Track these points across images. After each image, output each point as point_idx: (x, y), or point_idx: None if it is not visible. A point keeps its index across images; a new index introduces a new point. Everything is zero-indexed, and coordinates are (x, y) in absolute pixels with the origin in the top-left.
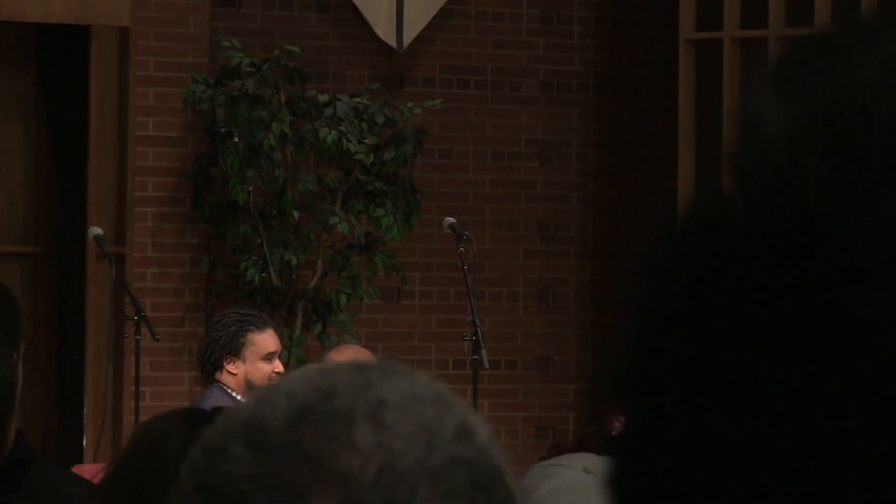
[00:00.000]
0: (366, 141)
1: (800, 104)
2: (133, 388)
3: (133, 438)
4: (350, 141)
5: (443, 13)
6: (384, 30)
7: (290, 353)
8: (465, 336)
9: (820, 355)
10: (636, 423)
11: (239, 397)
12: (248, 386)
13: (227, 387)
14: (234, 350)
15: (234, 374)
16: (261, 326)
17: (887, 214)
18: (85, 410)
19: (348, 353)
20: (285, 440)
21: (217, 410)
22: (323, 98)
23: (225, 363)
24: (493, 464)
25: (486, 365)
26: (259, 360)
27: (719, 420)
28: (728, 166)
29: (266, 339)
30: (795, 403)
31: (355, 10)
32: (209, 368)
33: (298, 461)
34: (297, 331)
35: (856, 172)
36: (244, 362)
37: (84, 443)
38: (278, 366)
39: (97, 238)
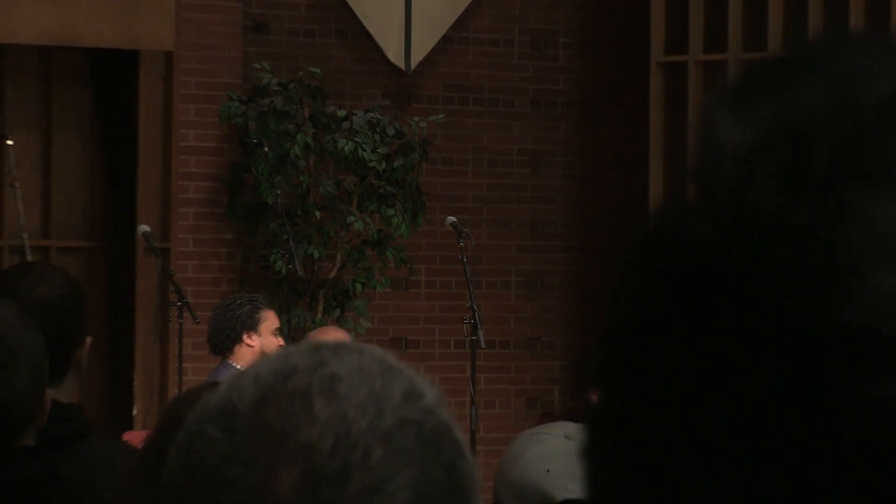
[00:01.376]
0: (378, 150)
1: (751, 125)
2: (177, 365)
3: (162, 414)
4: (364, 150)
5: (445, 39)
6: (394, 54)
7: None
8: (465, 320)
9: (763, 355)
10: (606, 401)
11: None
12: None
13: (236, 364)
14: (252, 325)
15: (252, 347)
16: (268, 306)
17: (826, 231)
18: (135, 385)
19: (329, 334)
20: (253, 420)
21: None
22: (341, 113)
23: (244, 337)
24: (438, 421)
25: (483, 345)
26: (270, 333)
27: (672, 399)
28: (690, 179)
29: (274, 316)
30: (742, 397)
31: (369, 37)
32: (228, 344)
33: (265, 438)
34: (319, 315)
35: (799, 191)
36: (259, 335)
37: (134, 412)
38: (280, 340)
39: (145, 234)
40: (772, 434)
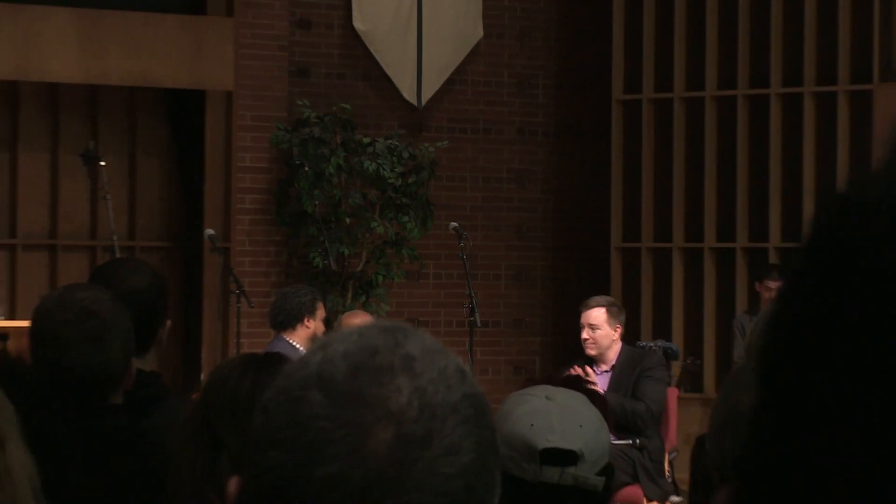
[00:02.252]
0: (395, 170)
1: None
2: (235, 340)
3: (209, 376)
4: (385, 170)
5: (448, 82)
6: (408, 93)
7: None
8: (465, 305)
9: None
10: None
11: (299, 347)
12: (314, 337)
13: (292, 340)
14: (311, 311)
15: (308, 328)
16: (321, 299)
17: None
18: (202, 356)
19: (357, 317)
20: (349, 389)
21: (268, 355)
22: (366, 140)
23: (305, 319)
24: (480, 393)
25: (479, 324)
26: (321, 320)
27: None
28: (879, 167)
29: (323, 307)
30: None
31: (388, 80)
32: (291, 323)
33: (361, 404)
34: (349, 301)
35: None
36: (315, 320)
37: (202, 378)
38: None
39: (210, 237)
40: None
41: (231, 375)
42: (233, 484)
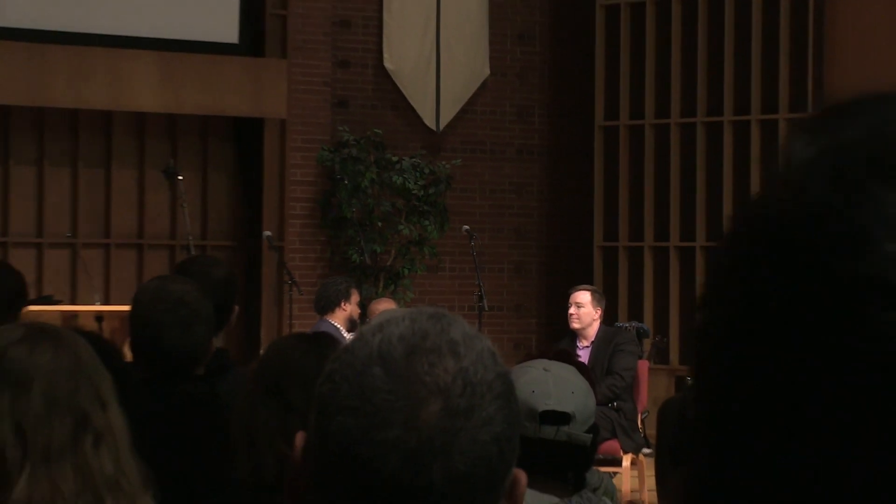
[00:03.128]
0: (418, 183)
1: (814, 146)
2: (288, 322)
3: (267, 351)
4: (410, 183)
5: (461, 111)
6: (429, 120)
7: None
8: (474, 293)
9: (811, 296)
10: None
11: (339, 327)
12: (350, 318)
13: (334, 321)
14: (347, 297)
15: (345, 311)
16: (355, 286)
17: (854, 213)
18: (261, 334)
19: (385, 303)
20: (405, 366)
21: (320, 334)
22: (394, 159)
23: (342, 303)
24: (509, 373)
25: (486, 308)
26: (355, 304)
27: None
28: (777, 176)
29: (357, 293)
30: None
31: (412, 110)
32: (331, 307)
33: (415, 380)
34: (380, 289)
35: (840, 187)
36: (350, 304)
37: (261, 353)
38: (358, 308)
39: (268, 237)
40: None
41: (295, 351)
42: (299, 438)
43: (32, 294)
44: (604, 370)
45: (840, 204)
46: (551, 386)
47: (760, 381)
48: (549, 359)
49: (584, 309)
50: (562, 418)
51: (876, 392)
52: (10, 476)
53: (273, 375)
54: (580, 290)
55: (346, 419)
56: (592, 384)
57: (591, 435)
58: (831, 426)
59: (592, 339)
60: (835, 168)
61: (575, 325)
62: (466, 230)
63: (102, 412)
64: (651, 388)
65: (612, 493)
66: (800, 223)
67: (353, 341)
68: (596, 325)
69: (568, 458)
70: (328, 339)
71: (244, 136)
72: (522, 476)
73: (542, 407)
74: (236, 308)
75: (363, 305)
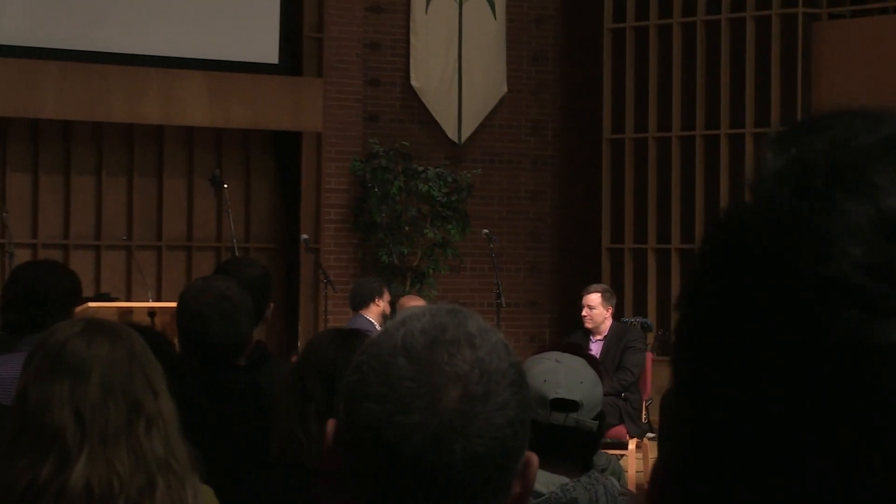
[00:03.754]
0: (442, 190)
1: (782, 158)
2: (323, 317)
3: (305, 345)
4: (434, 190)
5: (481, 125)
6: (452, 133)
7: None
8: (493, 291)
9: (782, 296)
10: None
11: (373, 321)
12: (384, 313)
13: (368, 316)
14: (380, 294)
15: (378, 307)
16: (386, 285)
17: (819, 220)
18: (299, 328)
19: (414, 300)
20: (426, 357)
21: (352, 330)
22: (420, 168)
23: (376, 299)
24: (521, 363)
25: (504, 305)
26: (386, 301)
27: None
28: (747, 187)
29: (387, 291)
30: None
31: (436, 124)
32: (366, 302)
33: (436, 369)
34: (407, 288)
35: (805, 196)
36: (382, 300)
37: (298, 345)
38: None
39: (305, 240)
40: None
41: (321, 346)
42: (330, 425)
43: (91, 292)
44: (615, 364)
45: (805, 211)
46: (561, 376)
47: (730, 375)
48: (561, 351)
49: (596, 310)
50: (570, 406)
51: (836, 381)
52: (69, 457)
53: (298, 366)
54: (591, 292)
55: (373, 405)
56: (600, 375)
57: (597, 422)
58: (796, 414)
59: (605, 334)
60: (801, 178)
61: (588, 324)
62: (486, 233)
63: (154, 399)
64: (655, 377)
65: (618, 473)
66: (768, 229)
67: (379, 335)
68: (608, 322)
69: (576, 443)
70: (356, 334)
71: (284, 148)
72: (534, 458)
73: (552, 395)
74: (272, 304)
75: (392, 302)
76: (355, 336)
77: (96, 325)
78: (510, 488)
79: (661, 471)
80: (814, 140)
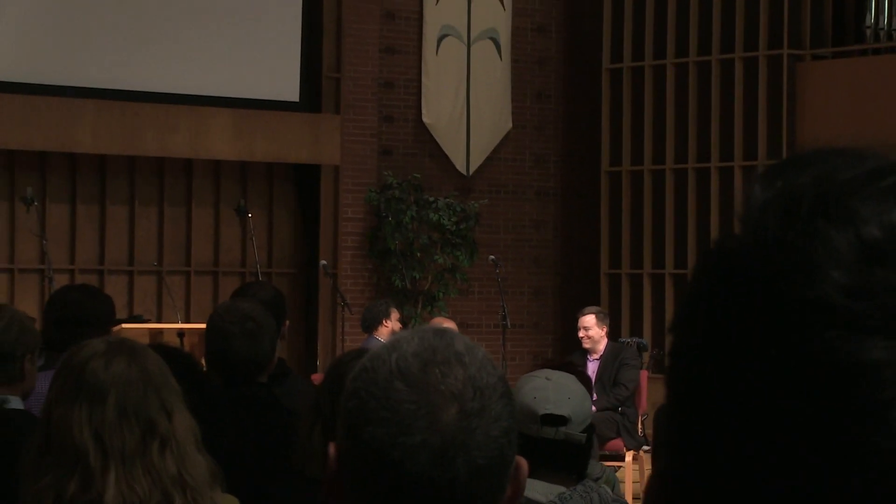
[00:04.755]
0: (452, 219)
1: (770, 190)
2: (341, 337)
3: (329, 368)
4: (444, 219)
5: (488, 158)
6: (461, 165)
7: (416, 320)
8: (499, 313)
9: (770, 314)
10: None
11: (384, 342)
12: (393, 333)
13: (379, 337)
14: (387, 315)
15: (387, 327)
16: (394, 305)
17: (804, 246)
18: (318, 347)
19: (442, 322)
20: (422, 379)
21: (366, 350)
22: (431, 199)
23: (384, 321)
24: (504, 375)
25: (509, 326)
26: (395, 320)
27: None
28: (737, 218)
29: (396, 311)
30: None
31: (446, 157)
32: (375, 325)
33: (432, 390)
34: (419, 310)
35: (792, 224)
36: (390, 321)
37: (318, 363)
38: (399, 325)
39: (324, 266)
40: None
41: (340, 367)
42: (332, 448)
43: (125, 314)
44: (611, 380)
45: (791, 239)
46: (551, 392)
47: (721, 393)
48: (553, 368)
49: (592, 330)
50: (559, 420)
51: (820, 396)
52: (93, 478)
53: (320, 386)
54: (586, 314)
55: (377, 429)
56: (590, 391)
57: (585, 434)
58: (783, 429)
59: (601, 353)
60: (787, 208)
61: (586, 344)
62: (492, 260)
63: (167, 420)
64: (650, 394)
65: (612, 482)
66: (756, 255)
67: (371, 360)
68: (604, 342)
69: (568, 454)
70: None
71: (304, 179)
72: (524, 462)
73: (542, 410)
74: (287, 323)
75: (405, 323)
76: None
77: (117, 346)
78: (504, 492)
79: (656, 484)
80: (799, 174)
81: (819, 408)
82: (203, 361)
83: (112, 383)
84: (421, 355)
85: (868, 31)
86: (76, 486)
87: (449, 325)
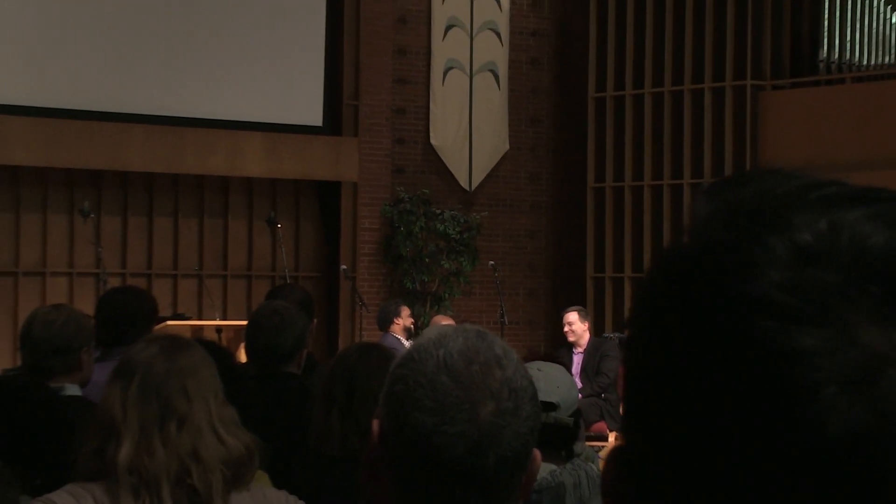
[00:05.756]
0: (455, 229)
1: (714, 203)
2: (359, 333)
3: (336, 356)
4: (449, 229)
5: (488, 176)
6: (464, 182)
7: (425, 318)
8: (498, 311)
9: (709, 310)
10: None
11: (398, 336)
12: (406, 328)
13: (394, 333)
14: (398, 313)
15: (398, 324)
16: (405, 304)
17: (744, 250)
18: (339, 342)
19: (443, 319)
20: (465, 375)
21: (373, 345)
22: (438, 211)
23: (395, 319)
24: (532, 378)
25: (506, 323)
26: (406, 317)
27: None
28: (685, 229)
29: (407, 309)
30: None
31: (451, 175)
32: (388, 322)
33: (473, 386)
34: (427, 309)
35: (733, 232)
36: (401, 318)
37: None
38: (410, 321)
39: (344, 270)
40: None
41: (346, 358)
42: (375, 425)
43: (169, 313)
44: (594, 371)
45: (733, 243)
46: (542, 382)
47: (671, 379)
48: (542, 360)
49: (575, 325)
50: (549, 407)
51: (759, 382)
52: (120, 440)
53: (328, 374)
54: (569, 312)
55: (422, 415)
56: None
57: (573, 419)
58: (725, 404)
59: (585, 347)
60: (729, 218)
61: (571, 338)
62: (491, 265)
63: (187, 403)
64: None
65: (592, 458)
66: (703, 257)
67: (419, 352)
68: (587, 336)
69: (557, 436)
70: (375, 348)
71: (326, 194)
72: (538, 454)
73: None
74: (315, 320)
75: (416, 319)
76: (371, 349)
77: (160, 339)
78: (523, 478)
79: (614, 455)
80: (740, 190)
81: (759, 388)
82: (240, 353)
83: (139, 365)
84: (465, 354)
85: (821, 64)
86: (111, 451)
87: (447, 322)
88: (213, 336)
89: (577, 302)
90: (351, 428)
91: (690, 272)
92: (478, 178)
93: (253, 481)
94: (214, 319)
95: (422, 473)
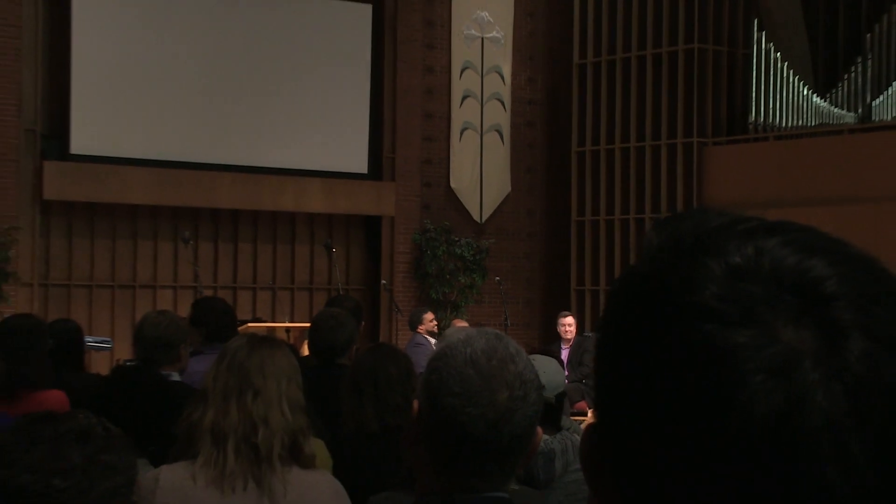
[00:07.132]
0: (470, 253)
1: (663, 235)
2: (395, 333)
3: (356, 355)
4: (465, 253)
5: (495, 212)
6: (476, 216)
7: (446, 321)
8: (502, 316)
9: (658, 321)
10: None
11: (427, 337)
12: (430, 330)
13: (421, 333)
14: (420, 319)
15: (424, 325)
16: (429, 310)
17: (686, 270)
18: (380, 341)
19: (459, 322)
20: (487, 369)
21: (382, 344)
22: (456, 238)
23: (420, 321)
24: (537, 371)
25: (509, 325)
26: (430, 321)
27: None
28: (637, 257)
29: (430, 313)
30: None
31: (466, 210)
32: (415, 325)
33: (493, 378)
34: (448, 314)
35: (678, 256)
36: (423, 322)
37: None
38: (434, 324)
39: (384, 284)
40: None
41: (364, 357)
42: (415, 404)
43: (249, 316)
44: (578, 362)
45: (679, 265)
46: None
47: (629, 373)
48: (534, 353)
49: (572, 327)
50: None
51: (700, 371)
52: (207, 404)
53: (353, 369)
54: (568, 316)
55: (452, 399)
56: (563, 367)
57: (555, 398)
58: (672, 393)
59: (571, 343)
60: (674, 246)
61: (568, 336)
62: (497, 280)
63: (263, 379)
64: None
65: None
66: (654, 277)
67: (451, 348)
68: (573, 334)
69: (545, 412)
70: (384, 347)
71: (370, 226)
72: (540, 431)
73: None
74: (362, 323)
75: (439, 322)
76: (382, 347)
77: (250, 336)
78: (528, 451)
79: (588, 433)
80: (682, 224)
81: (701, 376)
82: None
83: (230, 350)
84: (487, 352)
85: (751, 126)
86: (199, 415)
87: (462, 324)
88: (283, 335)
89: (564, 309)
90: (383, 408)
91: (646, 287)
92: (487, 213)
93: (315, 464)
94: (284, 322)
95: (451, 445)
